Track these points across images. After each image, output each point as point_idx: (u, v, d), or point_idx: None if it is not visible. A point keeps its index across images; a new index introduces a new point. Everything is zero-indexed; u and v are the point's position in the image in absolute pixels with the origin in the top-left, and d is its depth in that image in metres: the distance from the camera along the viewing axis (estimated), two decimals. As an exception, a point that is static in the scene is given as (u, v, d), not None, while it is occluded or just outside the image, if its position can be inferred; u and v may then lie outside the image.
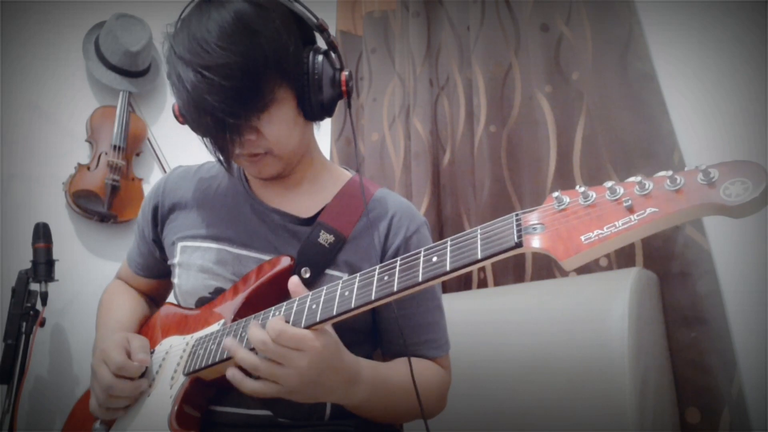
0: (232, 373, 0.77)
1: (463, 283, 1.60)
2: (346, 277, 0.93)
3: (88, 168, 1.92)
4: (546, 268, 1.43)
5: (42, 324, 1.63)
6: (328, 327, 0.77)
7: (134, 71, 2.01)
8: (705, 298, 1.15)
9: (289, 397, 0.76)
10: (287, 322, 0.75)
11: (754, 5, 1.18)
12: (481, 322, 1.31)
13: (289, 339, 0.72)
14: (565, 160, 1.42)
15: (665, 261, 1.21)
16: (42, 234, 1.68)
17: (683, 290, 1.18)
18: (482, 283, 1.58)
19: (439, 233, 1.69)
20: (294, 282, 0.81)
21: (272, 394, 0.75)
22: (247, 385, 0.76)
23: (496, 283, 1.54)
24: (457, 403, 1.21)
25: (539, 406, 1.15)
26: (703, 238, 1.17)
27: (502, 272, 1.53)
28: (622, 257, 1.29)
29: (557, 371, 1.14)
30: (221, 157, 0.93)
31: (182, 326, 0.98)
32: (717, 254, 1.17)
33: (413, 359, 0.93)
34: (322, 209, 0.98)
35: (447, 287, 1.58)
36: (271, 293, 0.91)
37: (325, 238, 0.94)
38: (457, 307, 1.34)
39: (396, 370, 0.91)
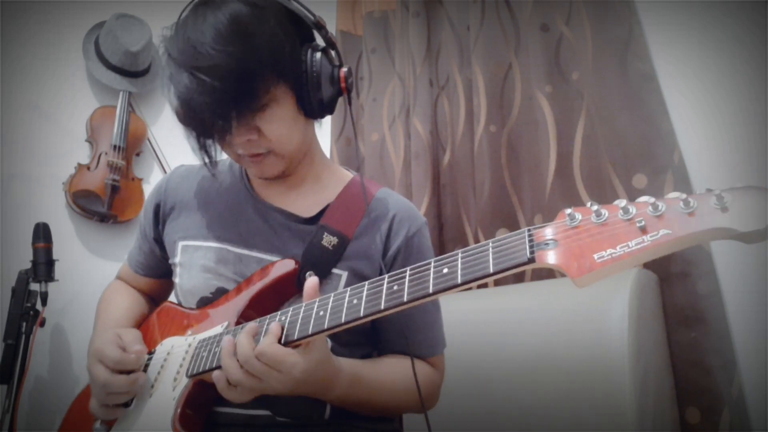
0: (218, 377, 0.79)
1: (463, 283, 1.60)
2: (346, 275, 0.93)
3: (88, 168, 1.92)
4: (546, 268, 1.42)
5: (42, 324, 1.63)
6: (319, 341, 0.78)
7: (134, 71, 2.01)
8: (705, 298, 1.15)
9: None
10: (283, 329, 0.77)
11: (754, 5, 1.18)
12: (481, 322, 1.31)
13: (269, 360, 0.74)
14: (565, 160, 1.42)
15: (665, 261, 1.20)
16: (42, 234, 1.68)
17: (683, 290, 1.18)
18: (482, 284, 1.57)
19: (439, 233, 1.69)
20: (311, 285, 0.79)
21: (245, 399, 0.78)
22: (227, 393, 0.78)
23: (496, 284, 1.54)
24: (458, 403, 1.21)
25: (539, 406, 1.15)
26: (703, 238, 1.17)
27: (502, 272, 1.52)
28: (622, 257, 1.29)
29: (557, 371, 1.14)
30: (206, 159, 0.93)
31: (183, 326, 0.98)
32: (717, 254, 1.17)
33: (400, 357, 0.95)
34: (325, 209, 0.98)
35: (447, 287, 1.58)
36: (275, 296, 0.92)
37: (328, 240, 0.94)
38: (457, 307, 1.34)
39: (379, 370, 0.93)
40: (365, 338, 1.00)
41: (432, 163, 1.70)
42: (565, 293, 1.23)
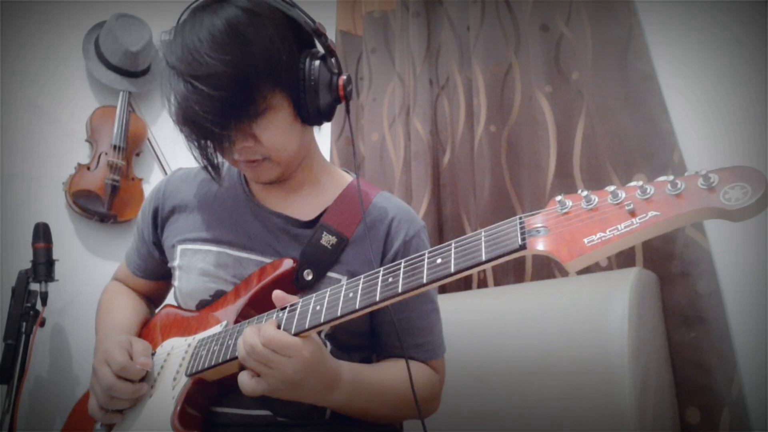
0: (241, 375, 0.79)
1: (463, 284, 1.60)
2: (345, 279, 0.94)
3: (88, 168, 1.92)
4: (546, 268, 1.43)
5: (42, 324, 1.63)
6: (313, 334, 0.78)
7: (134, 71, 2.01)
8: (705, 298, 1.15)
9: (270, 394, 0.78)
10: (279, 326, 0.77)
11: (754, 5, 1.18)
12: (481, 322, 1.31)
13: (278, 346, 0.74)
14: (565, 160, 1.42)
15: (665, 261, 1.20)
16: (42, 234, 1.68)
17: (683, 290, 1.18)
18: (482, 284, 1.58)
19: (439, 233, 1.69)
20: (277, 296, 0.82)
21: (258, 391, 0.77)
22: (241, 378, 0.78)
23: (496, 284, 1.54)
24: (457, 403, 1.21)
25: (539, 406, 1.15)
26: (703, 238, 1.17)
27: (502, 272, 1.53)
28: (622, 257, 1.29)
29: (557, 371, 1.14)
30: (209, 167, 0.93)
31: (183, 328, 0.98)
32: (717, 254, 1.17)
33: (400, 361, 0.94)
34: (324, 212, 0.98)
35: (446, 288, 1.58)
36: None
37: (327, 239, 0.94)
38: (457, 307, 1.34)
39: (380, 372, 0.92)
40: (364, 341, 0.99)
41: (432, 163, 1.70)
42: (565, 293, 1.23)
